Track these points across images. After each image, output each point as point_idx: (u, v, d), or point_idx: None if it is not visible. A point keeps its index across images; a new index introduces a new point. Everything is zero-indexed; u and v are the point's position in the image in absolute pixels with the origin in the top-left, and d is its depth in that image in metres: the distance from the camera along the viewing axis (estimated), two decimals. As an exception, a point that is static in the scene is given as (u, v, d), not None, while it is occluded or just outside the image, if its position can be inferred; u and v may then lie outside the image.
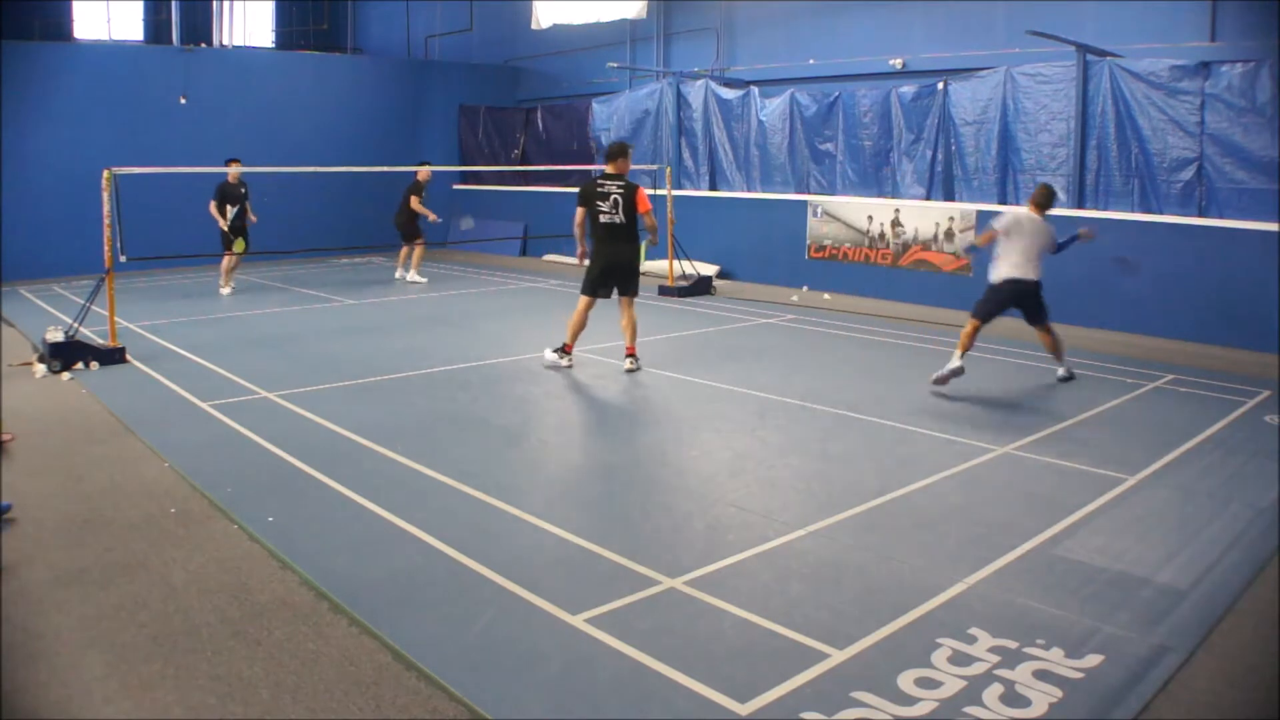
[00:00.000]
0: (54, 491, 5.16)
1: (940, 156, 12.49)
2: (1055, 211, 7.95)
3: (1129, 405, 7.24)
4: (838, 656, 3.41)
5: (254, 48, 21.29)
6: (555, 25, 17.82)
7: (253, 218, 12.91)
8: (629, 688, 3.23)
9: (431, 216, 14.03)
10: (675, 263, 13.03)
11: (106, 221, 8.43)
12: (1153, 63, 10.43)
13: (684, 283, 12.86)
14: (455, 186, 19.34)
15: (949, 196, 12.48)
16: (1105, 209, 10.89)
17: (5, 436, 5.94)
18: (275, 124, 17.06)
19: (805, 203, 13.74)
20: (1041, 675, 3.31)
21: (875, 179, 13.27)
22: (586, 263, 8.22)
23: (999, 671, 3.33)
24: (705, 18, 16.37)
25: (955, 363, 7.37)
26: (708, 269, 13.92)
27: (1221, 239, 9.82)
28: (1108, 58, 10.80)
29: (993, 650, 3.47)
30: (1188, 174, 10.28)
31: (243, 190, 12.66)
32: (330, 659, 3.42)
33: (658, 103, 16.10)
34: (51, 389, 7.55)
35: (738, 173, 15.09)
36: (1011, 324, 7.89)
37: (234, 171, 12.32)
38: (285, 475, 5.41)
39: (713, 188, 15.50)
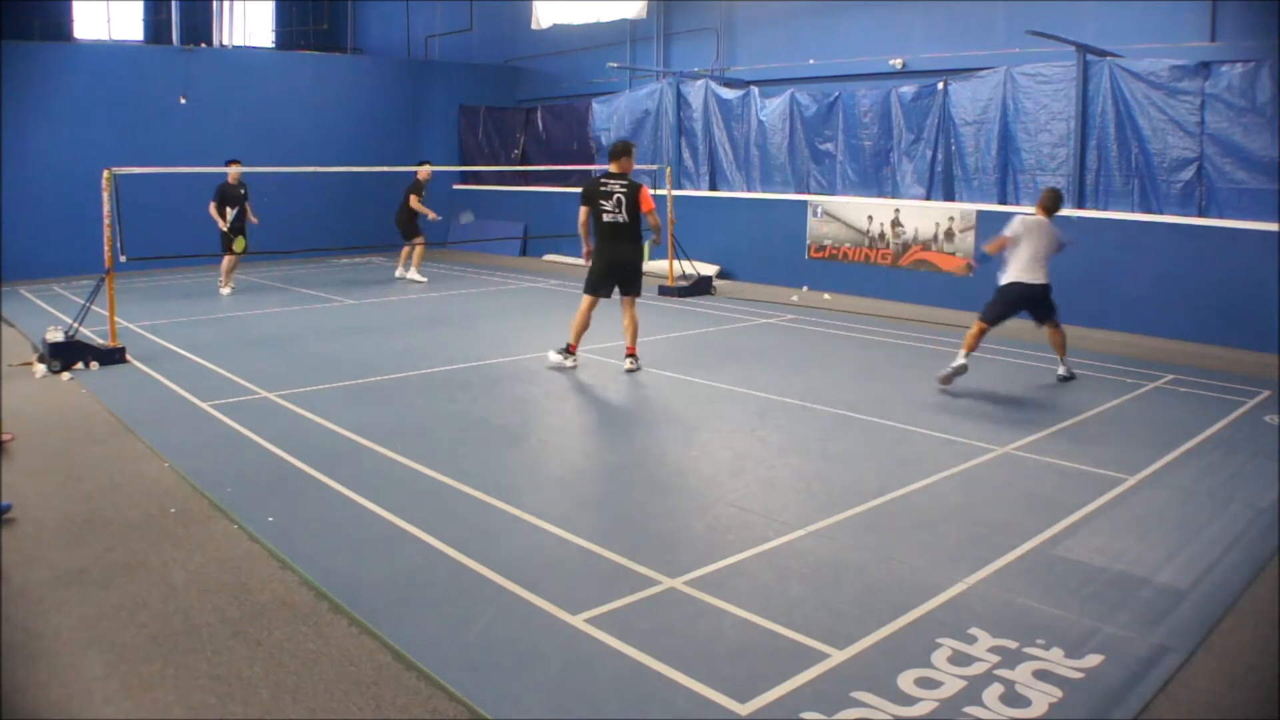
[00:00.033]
0: (54, 491, 5.16)
1: (940, 156, 12.49)
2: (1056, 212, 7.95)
3: (1129, 405, 7.24)
4: (838, 656, 3.41)
5: (254, 48, 21.29)
6: (555, 25, 17.82)
7: (253, 219, 12.91)
8: (629, 688, 3.23)
9: (431, 215, 14.05)
10: (675, 263, 13.03)
11: (106, 221, 8.43)
12: (1153, 63, 10.43)
13: (684, 283, 12.86)
14: (455, 186, 19.35)
15: (949, 196, 12.48)
16: (1105, 209, 10.89)
17: (5, 436, 5.94)
18: (275, 124, 17.06)
19: (805, 203, 13.74)
20: (1041, 675, 3.31)
21: (875, 179, 13.27)
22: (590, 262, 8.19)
23: (999, 671, 3.33)
24: (705, 18, 16.37)
25: (959, 361, 7.39)
26: (708, 269, 13.92)
27: (1221, 239, 9.82)
28: (1108, 58, 10.80)
29: (993, 650, 3.47)
30: (1188, 174, 10.28)
31: (242, 191, 12.67)
32: (330, 659, 3.42)
33: (658, 103, 16.11)
34: (51, 389, 7.55)
35: (738, 173, 15.09)
36: (1012, 324, 7.90)
37: (234, 172, 12.33)
38: (285, 475, 5.41)
39: (713, 188, 15.50)
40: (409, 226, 14.16)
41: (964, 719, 3.06)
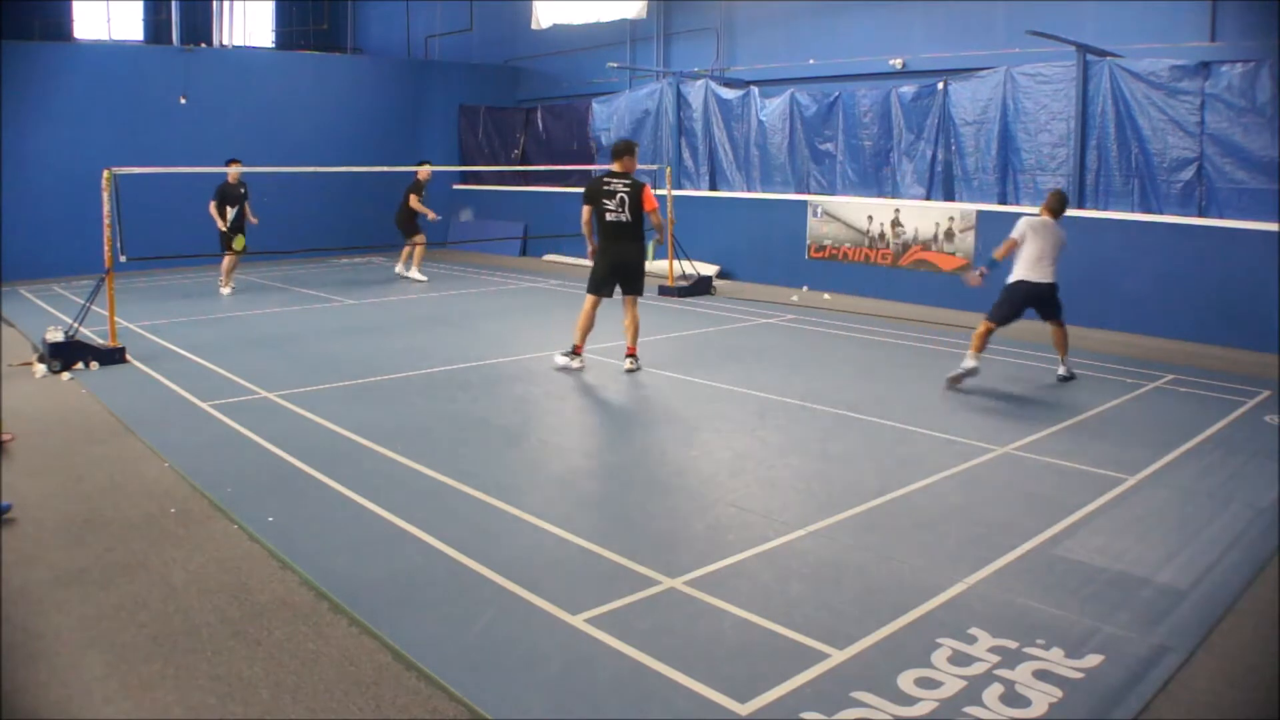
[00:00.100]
0: (54, 491, 5.16)
1: (940, 156, 12.50)
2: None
3: (1129, 405, 7.24)
4: (838, 656, 3.41)
5: (254, 48, 21.30)
6: (555, 25, 17.82)
7: (253, 219, 12.91)
8: (629, 688, 3.23)
9: (431, 215, 14.05)
10: (675, 263, 13.03)
11: (106, 221, 8.43)
12: (1153, 63, 10.43)
13: (684, 283, 12.86)
14: (455, 186, 19.36)
15: (949, 196, 12.49)
16: (1105, 209, 10.89)
17: (5, 436, 5.94)
18: (275, 124, 17.06)
19: (805, 203, 13.74)
20: (1041, 675, 3.31)
21: (875, 179, 13.27)
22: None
23: (999, 671, 3.33)
24: (705, 18, 16.37)
25: (969, 363, 7.43)
26: (708, 269, 13.92)
27: (1221, 239, 9.82)
28: (1108, 58, 10.80)
29: (993, 650, 3.47)
30: (1188, 174, 10.28)
31: (242, 191, 12.67)
32: (330, 659, 3.42)
33: (658, 103, 16.11)
34: (51, 389, 7.55)
35: (738, 173, 15.09)
36: (1012, 324, 7.89)
37: (234, 172, 12.33)
38: (285, 475, 5.41)
39: (713, 188, 15.50)
40: (409, 226, 14.18)
41: (964, 719, 3.06)
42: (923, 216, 12.41)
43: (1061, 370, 7.88)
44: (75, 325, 8.48)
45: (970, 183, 12.27)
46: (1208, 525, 4.80)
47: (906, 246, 12.58)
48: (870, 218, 12.97)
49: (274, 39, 23.03)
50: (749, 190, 14.88)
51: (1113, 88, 10.71)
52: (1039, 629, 3.63)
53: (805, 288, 13.45)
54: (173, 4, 18.23)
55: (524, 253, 18.23)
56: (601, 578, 4.07)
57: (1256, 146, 9.74)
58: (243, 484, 5.24)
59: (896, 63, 13.74)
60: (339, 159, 16.11)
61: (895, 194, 13.01)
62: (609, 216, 7.82)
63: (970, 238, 11.88)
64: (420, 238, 14.23)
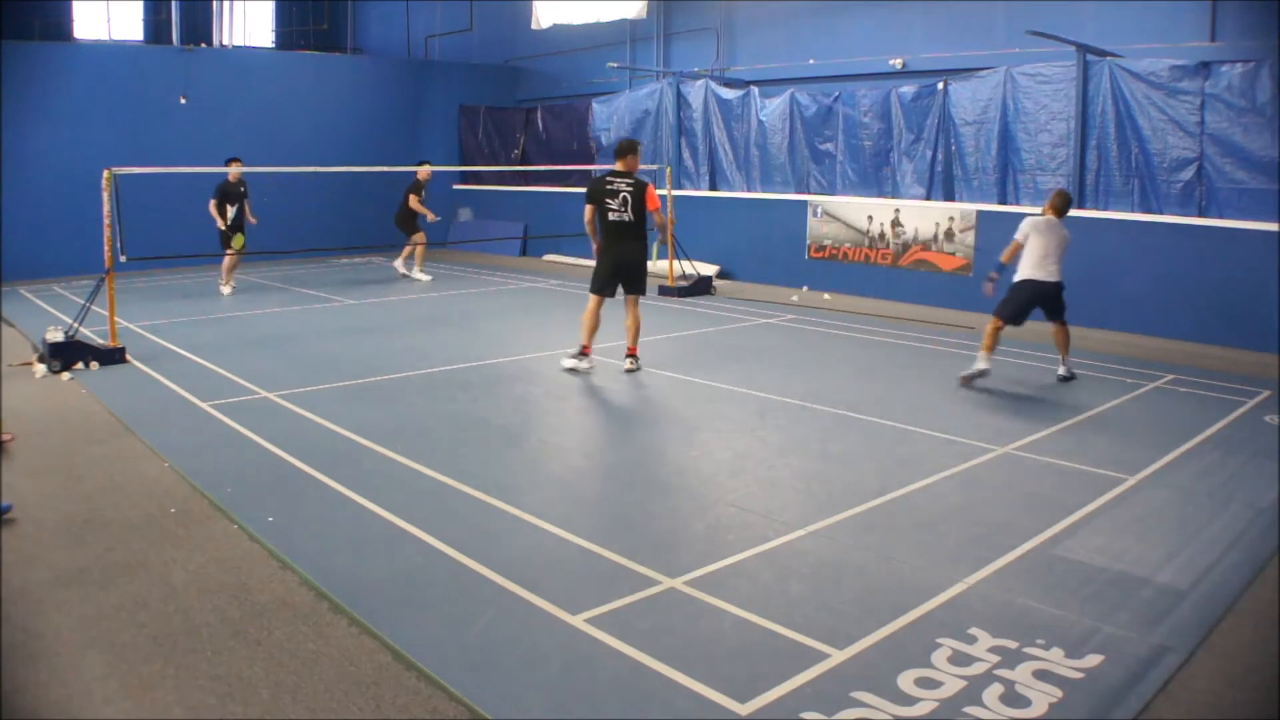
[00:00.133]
0: (54, 491, 5.16)
1: (940, 156, 12.50)
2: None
3: (1129, 405, 7.24)
4: (838, 656, 3.41)
5: (254, 48, 21.30)
6: (555, 25, 17.82)
7: (252, 219, 12.91)
8: (629, 688, 3.23)
9: (430, 216, 14.05)
10: (675, 263, 13.03)
11: (106, 221, 8.43)
12: (1153, 63, 10.43)
13: (684, 283, 12.86)
14: (455, 186, 19.36)
15: (949, 196, 12.49)
16: (1105, 209, 10.89)
17: (5, 436, 5.94)
18: (275, 124, 17.06)
19: (805, 203, 13.74)
20: (1041, 675, 3.31)
21: (875, 179, 13.27)
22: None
23: (999, 671, 3.33)
24: (705, 18, 16.37)
25: (981, 364, 7.47)
26: (708, 269, 13.92)
27: (1221, 239, 9.82)
28: (1108, 58, 10.80)
29: (993, 650, 3.47)
30: (1188, 174, 10.28)
31: (242, 190, 12.67)
32: (330, 659, 3.42)
33: (658, 103, 16.11)
34: (51, 389, 7.55)
35: (738, 173, 15.09)
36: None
37: (234, 171, 12.33)
38: (285, 475, 5.41)
39: (713, 188, 15.50)
40: (409, 226, 14.19)
41: (964, 719, 3.06)
42: (923, 216, 12.41)
43: (1062, 370, 7.89)
44: (75, 325, 8.49)
45: (970, 183, 12.27)
46: (1208, 525, 4.80)
47: (906, 246, 12.58)
48: (870, 218, 12.97)
49: (274, 39, 23.03)
50: (749, 190, 14.88)
51: (1113, 88, 10.71)
52: (1039, 629, 3.63)
53: (805, 288, 13.45)
54: (173, 4, 18.23)
55: (524, 253, 18.23)
56: (601, 578, 4.07)
57: (1256, 146, 9.74)
58: (243, 484, 5.24)
59: (896, 63, 13.74)
60: (339, 159, 16.10)
61: (895, 194, 13.01)
62: (611, 216, 7.80)
63: (970, 238, 11.88)
64: (420, 237, 14.23)
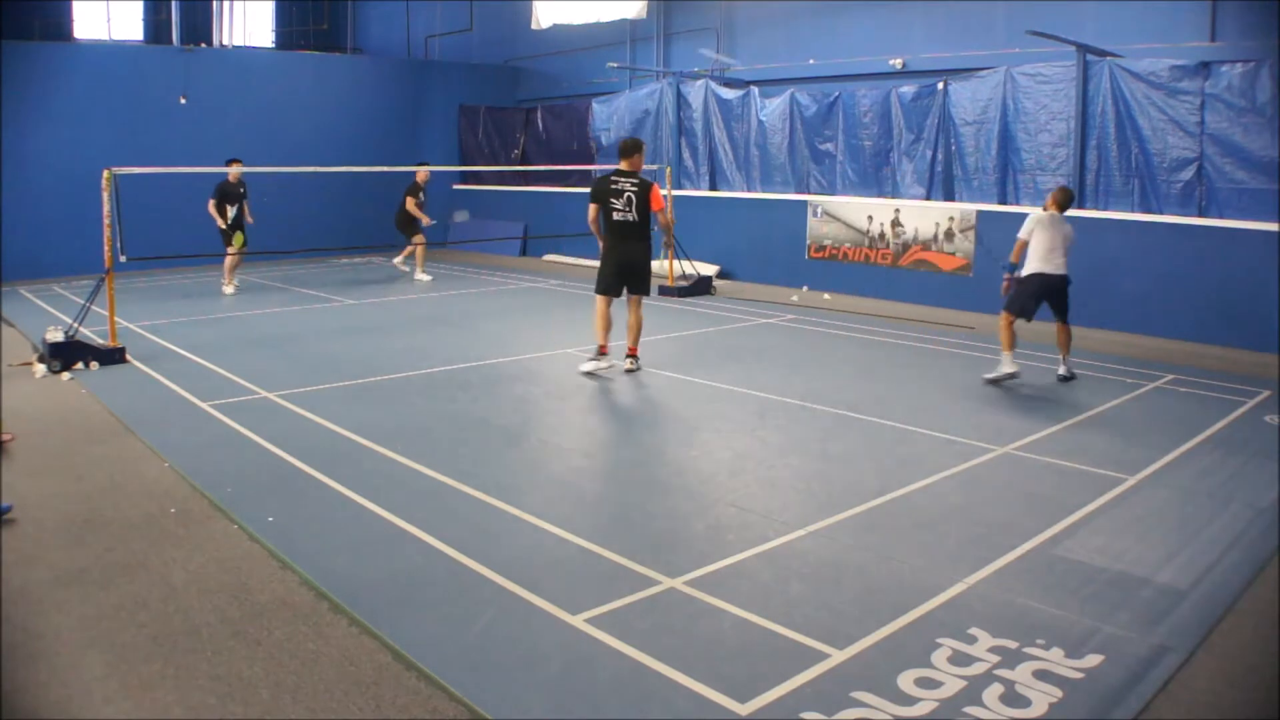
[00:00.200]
0: (54, 491, 5.16)
1: (940, 156, 12.49)
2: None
3: (1129, 405, 7.24)
4: (838, 656, 3.41)
5: (254, 48, 21.30)
6: (555, 25, 17.83)
7: (249, 219, 12.90)
8: (629, 688, 3.23)
9: (425, 220, 14.04)
10: (675, 263, 13.03)
11: (106, 221, 8.43)
12: (1153, 63, 10.44)
13: (684, 283, 12.86)
14: (455, 186, 19.36)
15: (949, 196, 12.49)
16: (1105, 209, 10.89)
17: (5, 436, 5.94)
18: (275, 124, 17.06)
19: (805, 203, 13.74)
20: (1041, 675, 3.31)
21: (875, 179, 13.27)
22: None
23: (999, 671, 3.33)
24: (705, 18, 16.37)
25: (1009, 367, 7.54)
26: (708, 269, 13.92)
27: (1221, 239, 9.83)
28: (1108, 58, 10.80)
29: (993, 650, 3.47)
30: (1188, 174, 10.28)
31: (242, 191, 12.66)
32: (330, 659, 3.42)
33: (658, 103, 16.11)
34: (51, 389, 7.55)
35: (738, 173, 15.09)
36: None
37: (234, 171, 12.32)
38: (285, 475, 5.41)
39: (713, 188, 15.50)
40: (408, 227, 14.21)
41: (964, 719, 3.06)
42: (923, 216, 12.41)
43: (1062, 370, 7.89)
44: (75, 325, 8.49)
45: (970, 183, 12.27)
46: (1208, 525, 4.80)
47: (906, 246, 12.58)
48: (870, 218, 12.97)
49: (274, 39, 23.03)
50: (749, 190, 14.88)
51: (1113, 88, 10.71)
52: (1039, 629, 3.63)
53: (805, 288, 13.45)
54: (173, 4, 18.24)
55: (524, 253, 18.23)
56: (601, 578, 4.07)
57: (1256, 146, 9.74)
58: (243, 484, 5.24)
59: (896, 63, 13.74)
60: (339, 159, 16.10)
61: (895, 194, 13.01)
62: (616, 216, 7.77)
63: (970, 238, 11.88)
64: (420, 238, 14.24)
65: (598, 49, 17.84)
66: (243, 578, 4.10)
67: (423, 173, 14.04)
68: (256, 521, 4.67)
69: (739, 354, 8.98)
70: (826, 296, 12.84)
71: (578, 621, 3.65)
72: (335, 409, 6.78)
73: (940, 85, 12.36)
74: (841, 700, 3.13)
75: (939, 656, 3.42)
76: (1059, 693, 3.20)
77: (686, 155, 15.86)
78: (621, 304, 8.01)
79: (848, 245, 13.24)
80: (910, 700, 3.14)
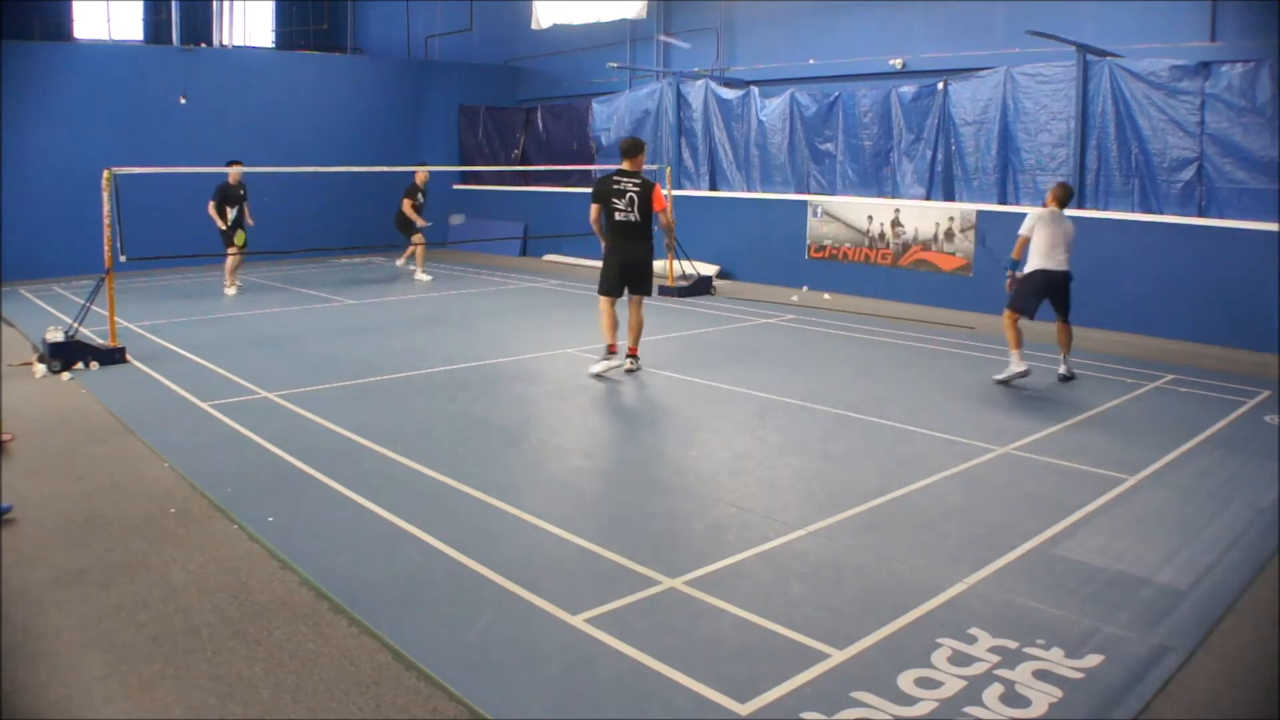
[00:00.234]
0: (54, 491, 5.16)
1: (940, 156, 12.50)
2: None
3: (1129, 405, 7.24)
4: (838, 656, 3.41)
5: (254, 48, 21.30)
6: (555, 25, 17.83)
7: (250, 221, 12.88)
8: (629, 688, 3.23)
9: (420, 222, 14.02)
10: (675, 263, 13.03)
11: (106, 221, 8.43)
12: (1153, 63, 10.44)
13: (684, 283, 12.85)
14: (455, 186, 19.35)
15: (949, 196, 12.49)
16: (1105, 209, 10.89)
17: (5, 436, 5.94)
18: (275, 124, 17.06)
19: (805, 203, 13.74)
20: (1041, 675, 3.31)
21: (875, 179, 13.27)
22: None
23: (999, 671, 3.33)
24: (705, 18, 16.37)
25: (1018, 366, 7.54)
26: (708, 269, 13.92)
27: (1221, 239, 9.83)
28: (1108, 58, 10.80)
29: (993, 650, 3.47)
30: (1188, 174, 10.28)
31: (242, 193, 12.64)
32: (330, 659, 3.42)
33: (658, 103, 16.11)
34: (51, 389, 7.55)
35: (738, 173, 15.09)
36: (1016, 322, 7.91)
37: (235, 173, 12.32)
38: (285, 475, 5.41)
39: (713, 188, 15.50)
40: (407, 228, 14.22)
41: (964, 719, 3.06)
42: (923, 216, 12.41)
43: (1062, 369, 7.88)
44: (75, 325, 8.49)
45: (970, 183, 12.27)
46: (1208, 525, 4.80)
47: (906, 246, 12.58)
48: (870, 218, 12.97)
49: (274, 39, 23.04)
50: (749, 190, 14.88)
51: (1113, 88, 10.71)
52: (1039, 629, 3.63)
53: (805, 288, 13.45)
54: (173, 4, 18.24)
55: (524, 253, 18.23)
56: (601, 578, 4.07)
57: (1256, 146, 9.74)
58: (243, 484, 5.24)
59: (896, 63, 13.74)
60: (339, 159, 16.11)
61: (895, 194, 13.01)
62: (618, 216, 7.75)
63: (970, 238, 11.88)
64: (419, 238, 14.25)
65: (598, 49, 17.85)
66: (243, 578, 4.10)
67: (421, 174, 14.04)
68: (256, 521, 4.67)
69: (739, 354, 8.98)
70: (826, 296, 12.84)
71: (578, 621, 3.65)
72: (335, 409, 6.78)
73: (940, 85, 12.36)
74: (841, 700, 3.13)
75: (939, 656, 3.42)
76: (1059, 693, 3.20)
77: (686, 155, 15.86)
78: (622, 303, 8.01)
79: (848, 245, 13.24)
80: (910, 700, 3.14)
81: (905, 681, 3.25)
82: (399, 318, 11.16)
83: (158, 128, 15.72)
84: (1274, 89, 9.50)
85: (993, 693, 3.20)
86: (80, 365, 8.08)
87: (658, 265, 13.19)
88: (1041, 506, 4.96)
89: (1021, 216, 7.88)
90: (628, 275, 7.85)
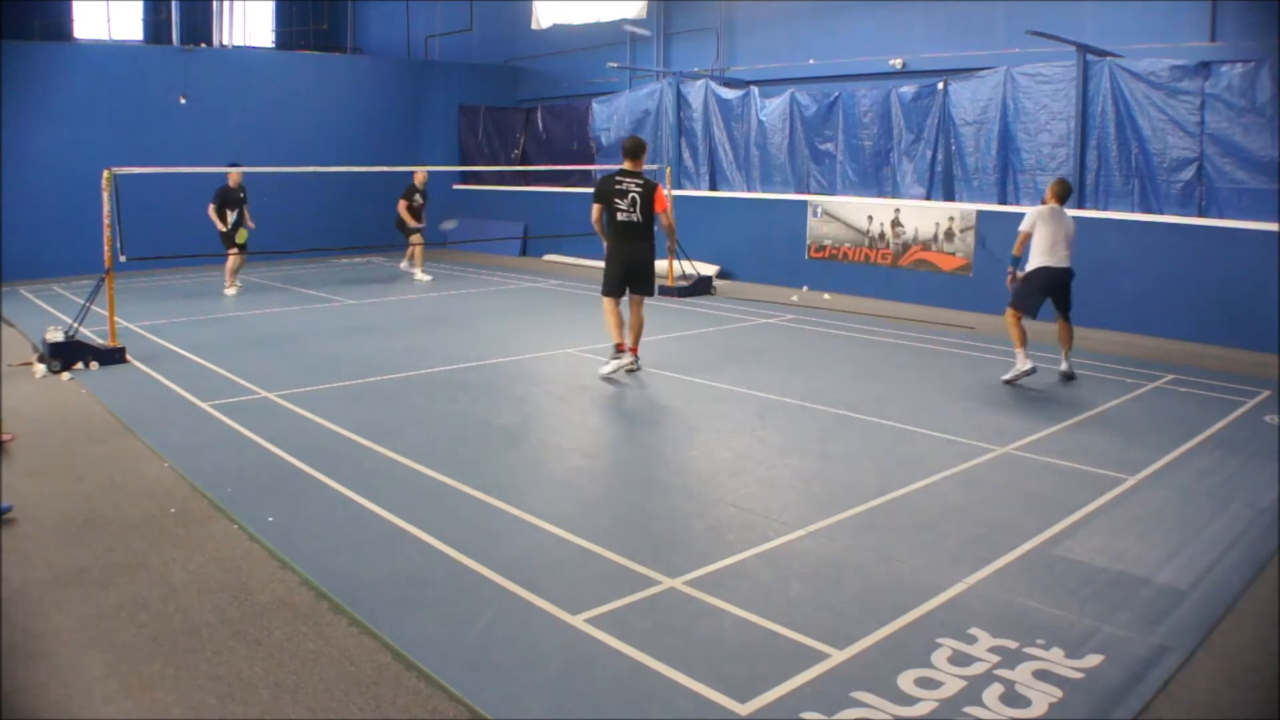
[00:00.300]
0: (54, 491, 5.16)
1: (940, 156, 12.50)
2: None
3: (1129, 405, 7.24)
4: (838, 656, 3.41)
5: (254, 48, 21.31)
6: (555, 25, 17.83)
7: (250, 224, 12.86)
8: (629, 688, 3.22)
9: (411, 223, 14.01)
10: (675, 263, 13.02)
11: (106, 221, 8.43)
12: (1153, 63, 10.44)
13: (684, 283, 12.85)
14: (455, 186, 19.35)
15: (949, 196, 12.49)
16: (1105, 209, 10.89)
17: (5, 436, 5.94)
18: (275, 124, 17.07)
19: (805, 203, 13.74)
20: (1041, 675, 3.31)
21: (875, 179, 13.27)
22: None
23: (999, 671, 3.33)
24: (705, 18, 16.37)
25: (1024, 365, 7.53)
26: (708, 269, 13.92)
27: (1221, 239, 9.83)
28: (1108, 58, 10.81)
29: (993, 650, 3.47)
30: (1188, 174, 10.28)
31: (242, 196, 12.63)
32: (330, 659, 3.42)
33: (658, 103, 16.11)
34: (51, 389, 7.55)
35: (738, 173, 15.09)
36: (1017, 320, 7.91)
37: (235, 175, 12.31)
38: (285, 475, 5.41)
39: (713, 188, 15.50)
40: (405, 228, 14.22)
41: (964, 719, 3.06)
42: (923, 216, 12.41)
43: (1064, 366, 7.88)
44: (75, 325, 8.49)
45: (970, 183, 12.27)
46: (1208, 525, 4.80)
47: (906, 246, 12.58)
48: (870, 218, 12.98)
49: (274, 39, 23.04)
50: (749, 190, 14.88)
51: (1113, 88, 10.71)
52: (1039, 629, 3.63)
53: (805, 288, 13.45)
54: (173, 4, 18.24)
55: (524, 253, 18.23)
56: (601, 578, 4.07)
57: (1256, 146, 9.74)
58: (243, 484, 5.24)
59: (896, 63, 13.74)
60: (339, 159, 16.11)
61: (895, 194, 13.02)
62: (620, 216, 7.74)
63: (970, 238, 11.88)
64: (417, 238, 14.25)
65: (598, 49, 17.85)
66: (243, 578, 4.10)
67: (420, 174, 14.04)
68: (256, 521, 4.67)
69: (739, 354, 8.98)
70: (826, 296, 12.84)
71: (578, 621, 3.65)
72: (335, 409, 6.78)
73: (940, 85, 12.37)
74: (841, 700, 3.13)
75: (939, 656, 3.42)
76: (1059, 693, 3.20)
77: (686, 155, 15.86)
78: (624, 302, 8.01)
79: (848, 245, 13.24)
80: (910, 700, 3.14)
81: (905, 681, 3.25)
82: (399, 318, 11.16)
83: (158, 128, 15.73)
84: (1274, 89, 9.50)
85: (993, 693, 3.20)
86: (80, 365, 8.08)
87: (658, 265, 13.25)
88: (1041, 506, 4.96)
89: (1021, 217, 7.88)
90: (630, 275, 7.85)
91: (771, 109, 14.31)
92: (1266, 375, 8.23)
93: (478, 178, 19.43)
